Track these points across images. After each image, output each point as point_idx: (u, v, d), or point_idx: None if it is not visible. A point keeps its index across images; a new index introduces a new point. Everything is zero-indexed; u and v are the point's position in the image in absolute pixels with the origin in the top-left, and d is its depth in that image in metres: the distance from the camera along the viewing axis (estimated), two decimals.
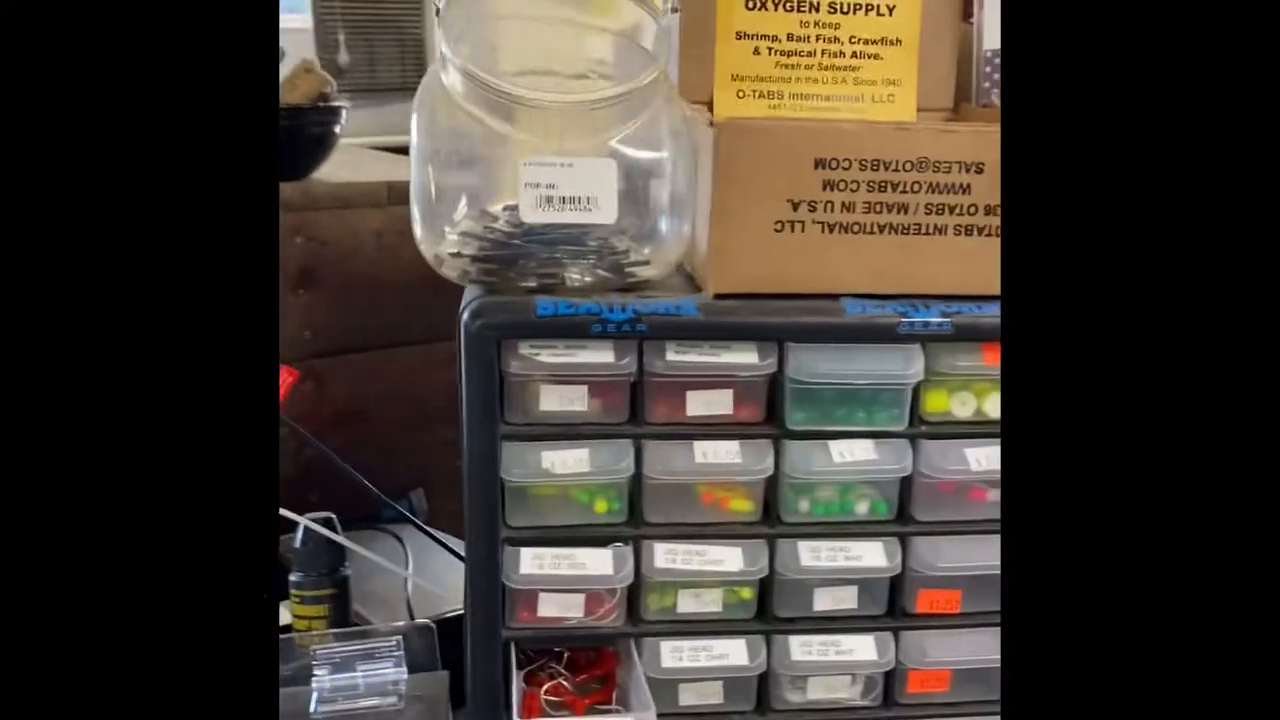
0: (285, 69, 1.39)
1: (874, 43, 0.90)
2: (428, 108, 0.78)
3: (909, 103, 0.94)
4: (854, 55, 0.93)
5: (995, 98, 0.96)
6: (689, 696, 0.90)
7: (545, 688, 0.88)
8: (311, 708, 0.97)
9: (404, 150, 0.84)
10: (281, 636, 1.10)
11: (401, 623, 1.04)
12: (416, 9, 3.99)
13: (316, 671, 0.99)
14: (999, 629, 0.89)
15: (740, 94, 0.92)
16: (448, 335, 0.81)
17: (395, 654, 1.01)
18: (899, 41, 0.91)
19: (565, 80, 0.78)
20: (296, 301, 1.38)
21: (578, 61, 0.79)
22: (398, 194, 1.36)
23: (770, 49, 0.91)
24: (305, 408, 1.41)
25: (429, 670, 0.99)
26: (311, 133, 1.28)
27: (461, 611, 0.91)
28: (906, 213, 0.81)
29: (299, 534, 1.11)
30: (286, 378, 1.07)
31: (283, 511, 1.09)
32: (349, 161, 1.52)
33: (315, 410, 1.40)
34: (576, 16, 0.84)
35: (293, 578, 1.13)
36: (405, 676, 1.01)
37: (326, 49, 3.70)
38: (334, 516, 1.14)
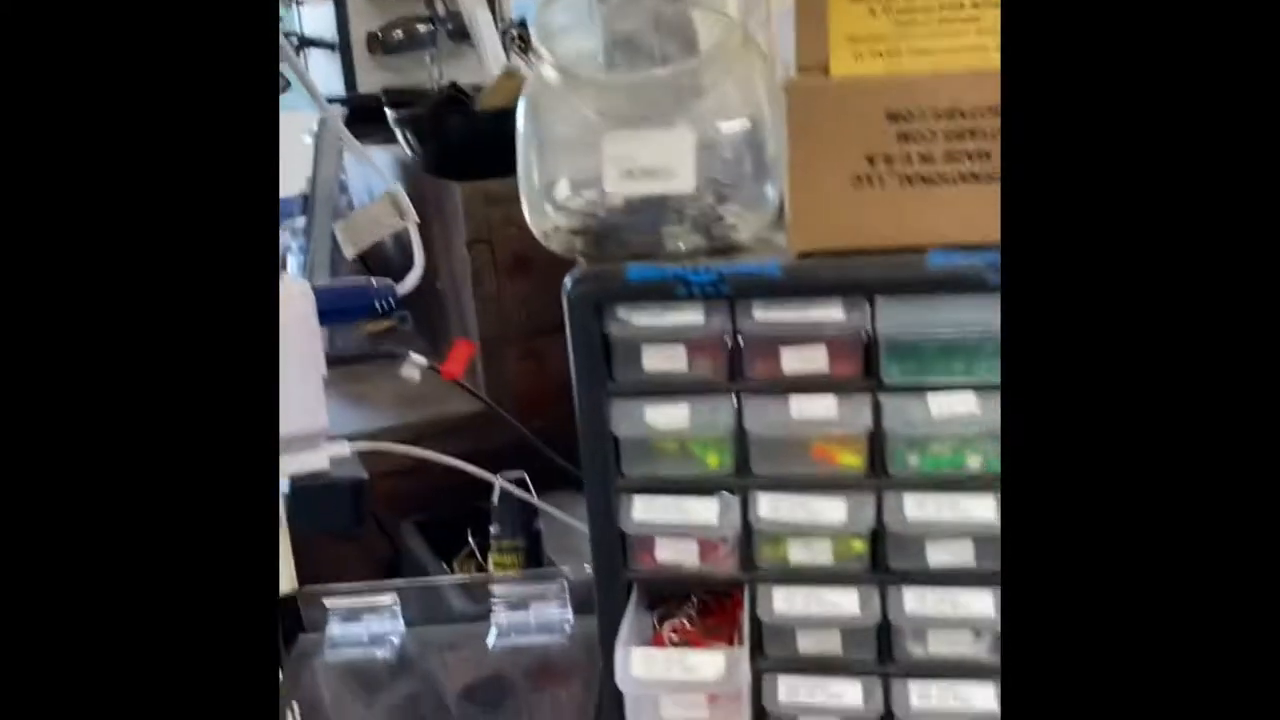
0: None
1: None
2: (528, 98, 0.87)
3: None
4: (974, 5, 0.91)
5: None
6: (807, 643, 0.93)
7: (669, 625, 0.95)
8: (489, 641, 1.10)
9: None
10: (474, 577, 1.25)
11: (568, 567, 1.15)
12: None
13: (495, 609, 1.12)
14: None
15: (858, 55, 0.93)
16: None
17: (561, 596, 1.12)
18: None
19: (636, 56, 0.84)
20: (513, 286, 1.53)
21: (655, 36, 0.85)
22: None
23: (886, 7, 0.92)
24: (527, 383, 1.56)
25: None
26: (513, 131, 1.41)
27: None
28: (988, 160, 0.79)
29: (496, 491, 1.24)
30: (468, 351, 1.21)
31: (480, 471, 1.23)
32: None
33: (537, 385, 1.55)
34: None
35: (492, 530, 1.28)
36: (570, 617, 1.11)
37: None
38: (525, 476, 1.27)
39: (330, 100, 1.71)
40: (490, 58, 1.70)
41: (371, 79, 2.18)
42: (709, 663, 0.84)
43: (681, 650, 0.88)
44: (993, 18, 0.91)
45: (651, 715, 0.86)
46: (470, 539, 1.31)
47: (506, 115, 1.46)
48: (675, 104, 0.82)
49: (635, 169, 0.82)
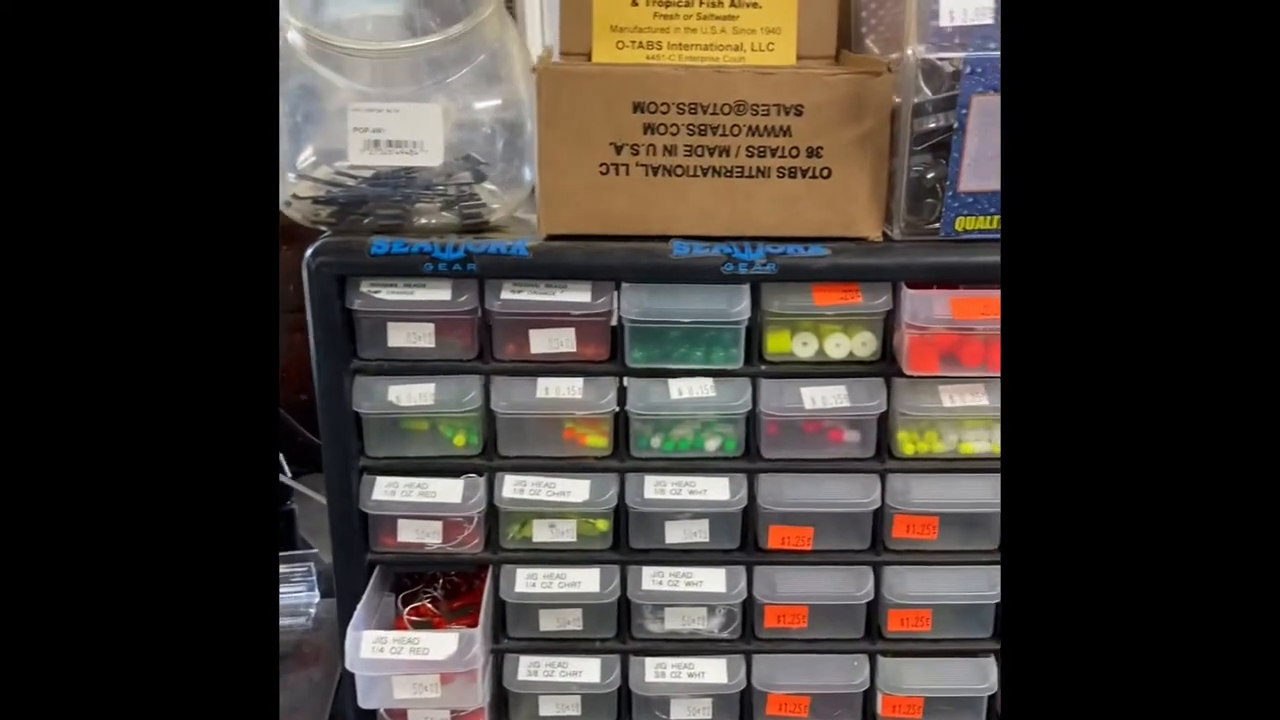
0: None
1: None
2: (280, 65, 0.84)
3: (789, 50, 0.95)
4: (732, 4, 0.94)
5: (871, 44, 0.96)
6: (549, 622, 0.95)
7: (409, 609, 0.94)
8: None
9: None
10: None
11: (314, 550, 1.12)
12: None
13: None
14: (855, 567, 0.92)
15: (620, 45, 0.94)
16: None
17: (309, 579, 1.09)
18: None
19: (394, 28, 0.82)
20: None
21: (405, 8, 0.83)
22: None
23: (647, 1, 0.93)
24: (293, 357, 1.50)
25: None
26: None
27: None
28: (728, 155, 0.82)
29: None
30: None
31: None
32: None
33: (304, 359, 1.49)
34: None
35: None
36: (317, 600, 1.08)
37: None
38: (279, 455, 1.23)
39: None
40: None
41: None
42: (441, 643, 0.83)
43: (416, 632, 0.87)
44: (750, 18, 0.94)
45: (383, 696, 0.85)
46: None
47: None
48: (429, 78, 0.80)
49: (382, 141, 0.80)
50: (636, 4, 0.94)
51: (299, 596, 1.08)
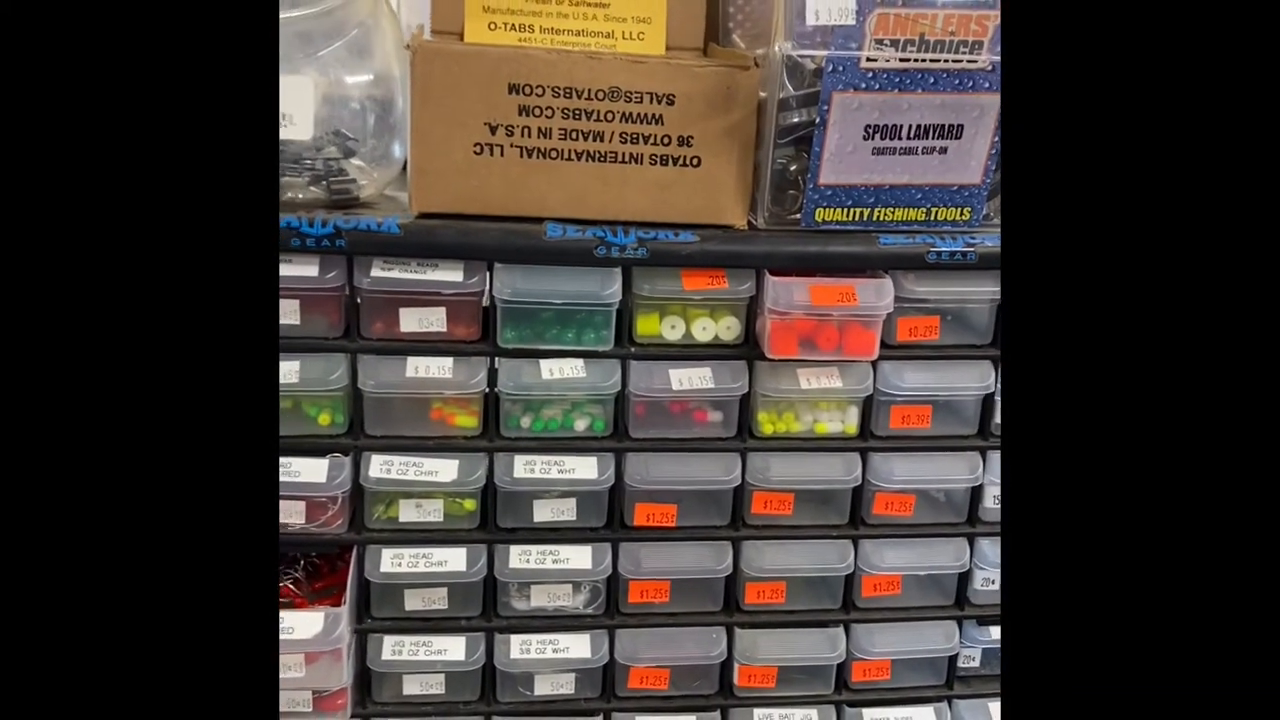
0: None
1: None
2: None
3: (658, 40, 0.97)
4: None
5: (738, 39, 0.99)
6: (415, 602, 0.95)
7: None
8: None
9: None
10: None
11: None
12: None
13: None
14: (715, 543, 0.95)
15: (492, 25, 0.95)
16: None
17: None
18: None
19: None
20: None
21: None
22: None
23: None
24: None
25: None
26: None
27: None
28: (602, 140, 0.84)
29: None
30: None
31: None
32: None
33: None
34: None
35: None
36: None
37: None
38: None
39: None
40: None
41: None
42: (306, 623, 0.82)
43: (281, 611, 0.86)
44: (621, 6, 0.96)
45: None
46: None
47: None
48: (299, 51, 0.79)
49: None
50: None
51: None
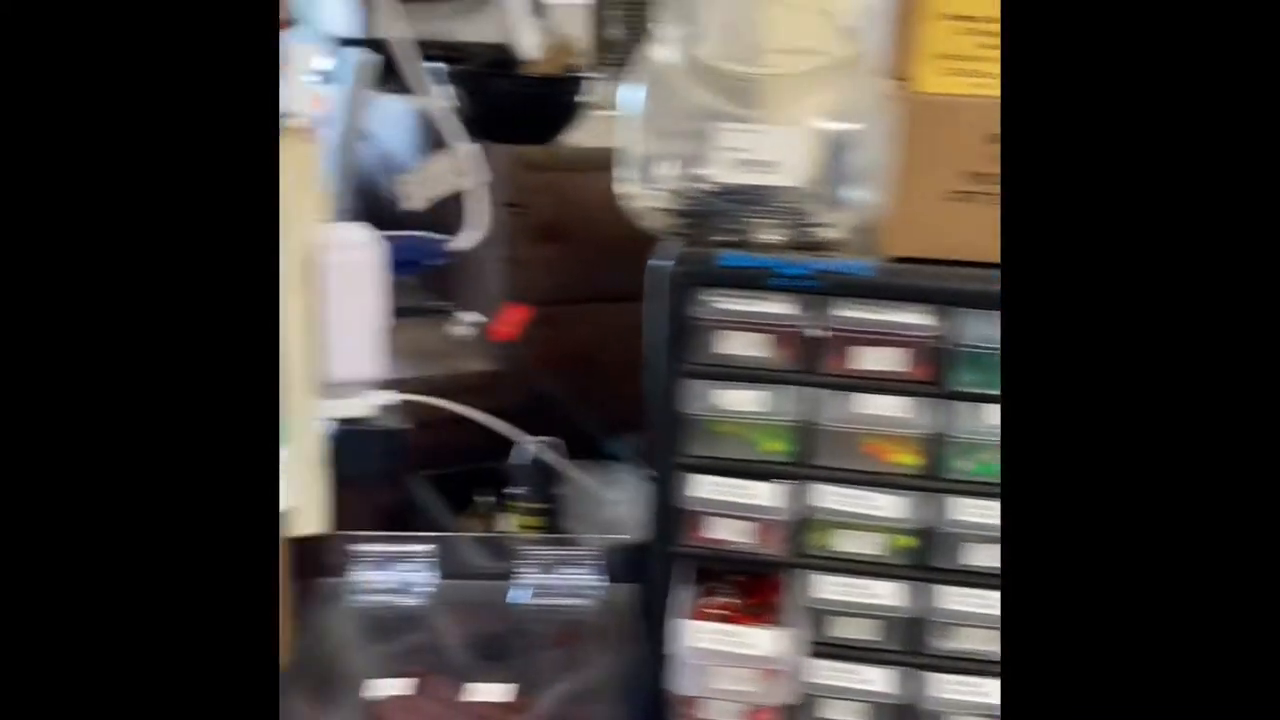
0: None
1: None
2: (646, 79, 0.89)
3: None
4: None
5: None
6: (844, 629, 0.97)
7: (714, 604, 0.98)
8: (517, 598, 1.13)
9: None
10: (496, 535, 1.27)
11: (607, 536, 1.17)
12: None
13: (521, 570, 1.14)
14: None
15: (944, 72, 0.97)
16: None
17: (597, 562, 1.14)
18: None
19: (771, 55, 0.86)
20: (542, 253, 1.54)
21: (784, 38, 0.87)
22: None
23: (972, 29, 0.95)
24: (542, 348, 1.58)
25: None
26: (558, 100, 1.42)
27: None
28: None
29: (518, 452, 1.26)
30: (523, 315, 1.22)
31: (512, 430, 1.25)
32: (605, 129, 1.65)
33: (550, 351, 1.56)
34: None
35: (514, 491, 1.30)
36: (602, 583, 1.14)
37: (601, 23, 3.91)
38: (561, 441, 1.29)
39: (348, 43, 1.69)
40: (519, 19, 1.68)
41: (392, 26, 2.15)
42: (763, 639, 0.87)
43: (734, 626, 0.91)
44: None
45: (701, 684, 0.89)
46: (493, 497, 1.33)
47: (553, 83, 1.49)
48: (791, 101, 0.84)
49: (749, 160, 0.84)
50: (960, 33, 0.96)
51: (583, 578, 1.13)
